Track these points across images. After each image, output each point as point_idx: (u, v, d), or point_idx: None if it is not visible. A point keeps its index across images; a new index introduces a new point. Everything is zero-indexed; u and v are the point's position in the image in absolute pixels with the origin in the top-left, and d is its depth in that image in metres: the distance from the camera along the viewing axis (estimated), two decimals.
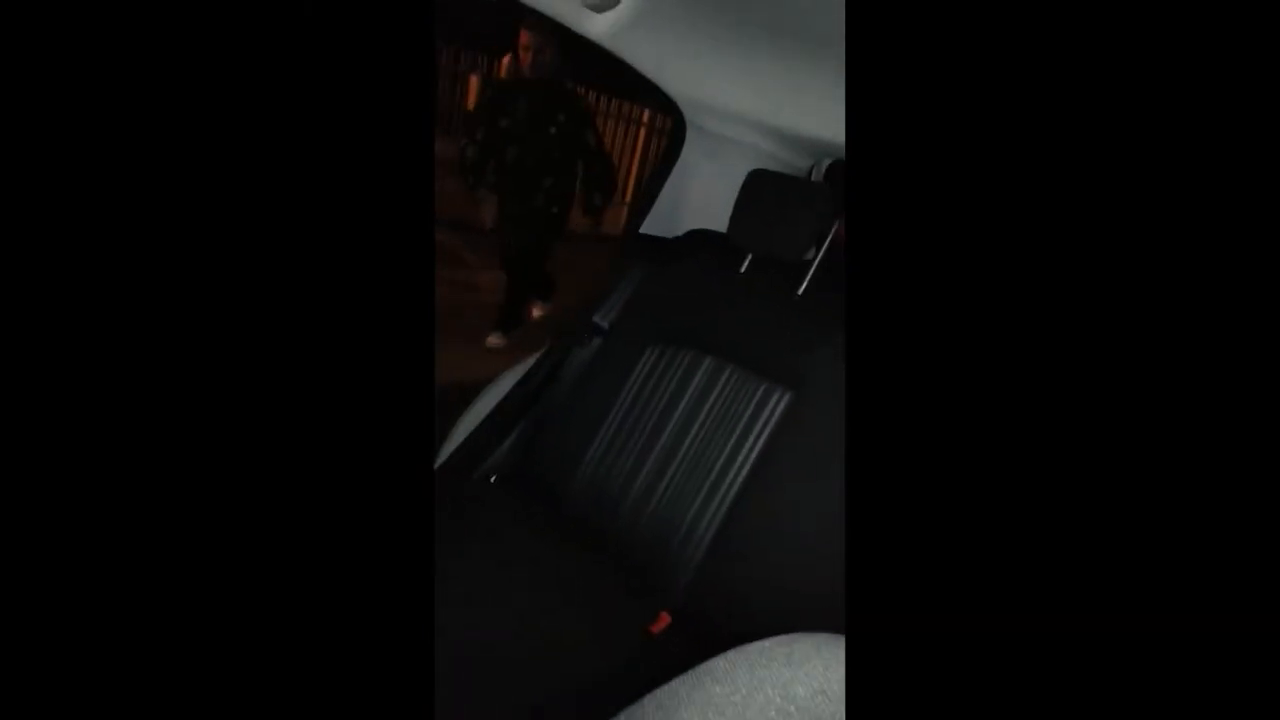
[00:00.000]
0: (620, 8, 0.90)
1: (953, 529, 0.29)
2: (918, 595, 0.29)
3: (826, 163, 1.33)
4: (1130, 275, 0.28)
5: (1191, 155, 0.27)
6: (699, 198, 1.28)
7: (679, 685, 0.30)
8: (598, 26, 0.95)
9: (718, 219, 1.20)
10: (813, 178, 1.32)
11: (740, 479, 0.93)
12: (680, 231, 1.30)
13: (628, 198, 4.94)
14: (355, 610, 0.30)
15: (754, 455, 0.94)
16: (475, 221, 2.56)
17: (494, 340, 2.66)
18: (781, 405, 0.94)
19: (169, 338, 0.29)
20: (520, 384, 1.18)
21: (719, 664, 0.30)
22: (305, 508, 0.30)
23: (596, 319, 1.18)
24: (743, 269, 1.12)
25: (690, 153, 1.26)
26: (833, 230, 1.06)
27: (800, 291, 1.04)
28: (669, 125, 1.28)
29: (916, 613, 0.29)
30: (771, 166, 1.17)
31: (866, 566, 0.30)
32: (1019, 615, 0.28)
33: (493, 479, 1.17)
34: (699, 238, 1.28)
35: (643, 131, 5.48)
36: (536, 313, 2.88)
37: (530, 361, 1.20)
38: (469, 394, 1.22)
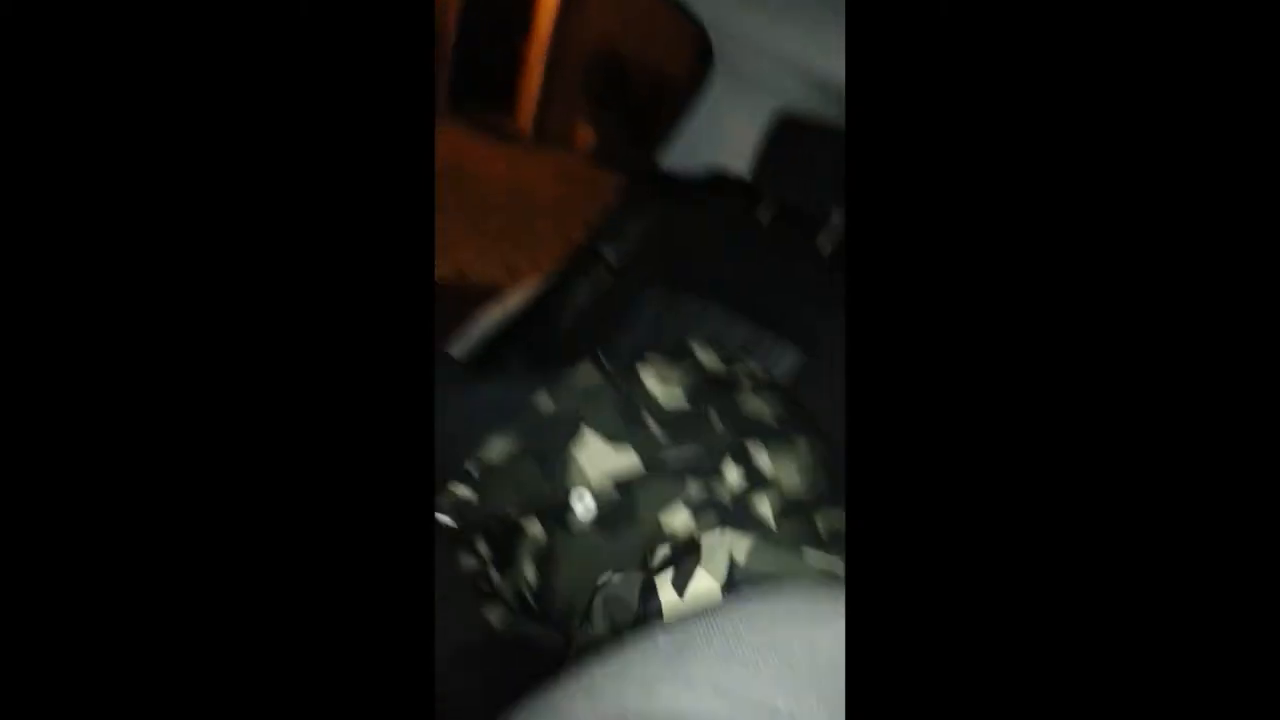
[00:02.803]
0: None
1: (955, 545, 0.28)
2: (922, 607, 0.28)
3: None
4: (1146, 292, 0.27)
5: (1194, 159, 0.26)
6: (721, 136, 1.23)
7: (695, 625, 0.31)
8: None
9: (740, 161, 1.15)
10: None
11: None
12: (698, 169, 1.25)
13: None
14: (355, 608, 0.29)
15: None
16: None
17: None
18: (791, 365, 0.93)
19: (167, 334, 0.28)
20: (518, 313, 1.14)
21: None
22: (303, 503, 0.29)
23: (605, 253, 1.14)
24: (766, 221, 1.09)
25: (715, 88, 1.20)
26: None
27: (828, 254, 1.02)
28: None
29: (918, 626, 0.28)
30: (802, 112, 1.13)
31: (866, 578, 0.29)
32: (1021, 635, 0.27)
33: None
34: (719, 180, 1.23)
35: None
36: None
37: (531, 289, 1.16)
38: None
